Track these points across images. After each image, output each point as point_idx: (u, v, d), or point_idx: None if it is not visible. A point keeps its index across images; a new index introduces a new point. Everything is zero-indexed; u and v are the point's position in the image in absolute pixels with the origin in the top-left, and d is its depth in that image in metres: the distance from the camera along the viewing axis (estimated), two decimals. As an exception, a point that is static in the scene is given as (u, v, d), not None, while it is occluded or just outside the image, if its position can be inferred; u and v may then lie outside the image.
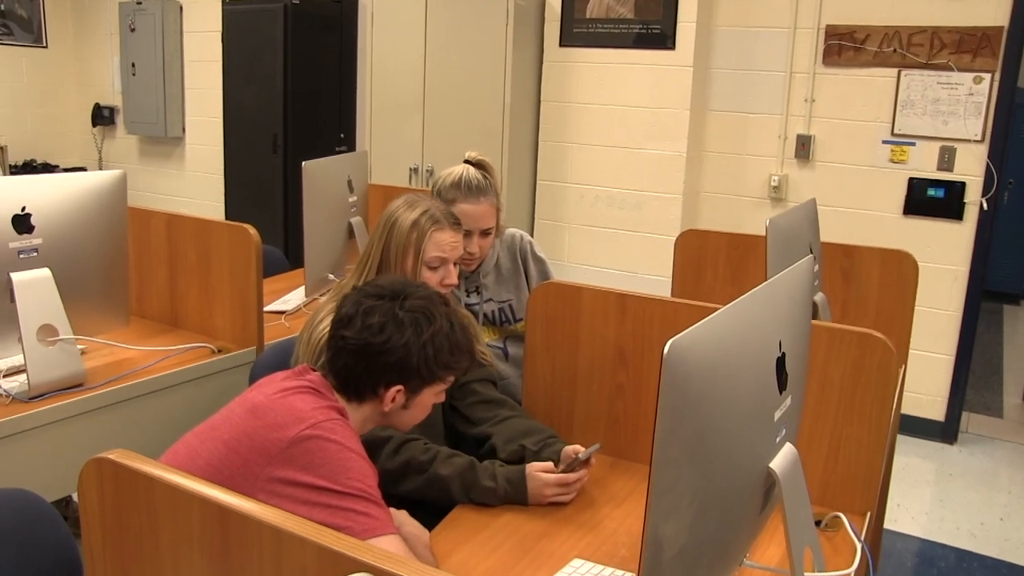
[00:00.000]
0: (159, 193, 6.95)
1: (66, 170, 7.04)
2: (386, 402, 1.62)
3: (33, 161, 7.04)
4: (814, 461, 1.88)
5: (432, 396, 1.68)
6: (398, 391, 1.62)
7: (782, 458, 1.28)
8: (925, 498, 3.90)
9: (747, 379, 1.15)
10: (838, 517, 1.80)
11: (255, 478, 1.44)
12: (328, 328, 1.71)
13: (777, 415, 1.26)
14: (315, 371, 1.65)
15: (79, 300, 2.41)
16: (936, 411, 4.46)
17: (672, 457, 1.00)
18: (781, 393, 1.27)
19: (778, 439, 1.28)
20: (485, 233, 2.48)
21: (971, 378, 4.54)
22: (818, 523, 1.80)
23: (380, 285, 1.65)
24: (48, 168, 7.05)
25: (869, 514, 1.85)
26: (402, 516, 1.71)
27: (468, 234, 2.43)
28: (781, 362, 1.27)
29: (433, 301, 1.64)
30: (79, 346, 2.53)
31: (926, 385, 4.42)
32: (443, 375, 1.66)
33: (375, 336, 1.58)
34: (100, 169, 7.23)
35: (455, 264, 2.16)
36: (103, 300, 2.50)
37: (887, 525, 3.44)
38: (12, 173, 6.73)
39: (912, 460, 4.24)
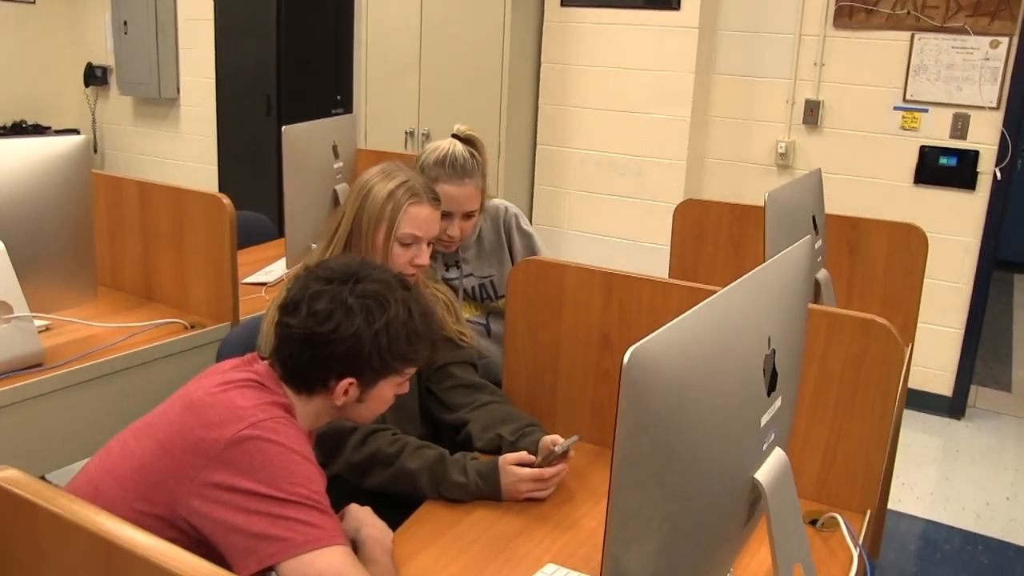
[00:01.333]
0: (154, 156, 6.80)
1: (58, 132, 6.89)
2: (337, 395, 1.49)
3: (23, 122, 6.87)
4: (810, 456, 1.75)
5: (391, 389, 1.54)
6: (350, 384, 1.48)
7: (770, 467, 1.15)
8: (930, 476, 3.78)
9: (728, 385, 1.01)
10: (835, 518, 1.67)
11: (190, 482, 1.31)
12: None
13: (764, 420, 1.12)
14: (264, 359, 1.52)
15: (39, 274, 2.28)
16: (943, 386, 4.32)
17: (634, 481, 0.86)
18: (770, 395, 1.14)
19: (766, 445, 1.15)
20: (467, 216, 2.33)
21: (980, 350, 4.39)
22: (814, 522, 1.67)
23: (331, 267, 1.51)
24: (39, 130, 6.89)
25: (869, 512, 1.72)
26: (364, 515, 1.59)
27: (449, 216, 2.28)
28: (770, 360, 1.13)
29: (389, 285, 1.50)
30: (43, 322, 2.42)
31: (934, 360, 4.27)
32: (400, 367, 1.52)
33: (321, 324, 1.44)
34: (93, 132, 7.09)
35: (429, 243, 2.01)
36: (66, 274, 2.37)
37: (890, 505, 3.31)
38: (0, 135, 6.58)
39: (918, 436, 4.11)
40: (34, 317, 2.24)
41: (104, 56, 6.94)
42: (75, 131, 6.98)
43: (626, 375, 0.80)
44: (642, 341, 0.82)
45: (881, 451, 1.68)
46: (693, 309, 0.94)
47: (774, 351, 1.13)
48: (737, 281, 1.07)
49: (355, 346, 1.44)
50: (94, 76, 6.98)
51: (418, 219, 1.96)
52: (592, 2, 4.68)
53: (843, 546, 1.62)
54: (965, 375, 4.29)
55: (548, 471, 1.74)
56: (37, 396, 2.19)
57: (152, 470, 1.34)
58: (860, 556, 1.57)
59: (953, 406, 4.34)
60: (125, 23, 6.48)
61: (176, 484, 1.31)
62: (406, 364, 1.52)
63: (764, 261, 2.00)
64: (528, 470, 1.73)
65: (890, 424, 1.67)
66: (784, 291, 1.21)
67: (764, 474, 1.12)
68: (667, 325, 0.88)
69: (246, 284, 2.98)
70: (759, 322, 1.10)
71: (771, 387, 1.13)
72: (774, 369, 1.14)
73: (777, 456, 1.17)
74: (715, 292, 1.81)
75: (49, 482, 2.84)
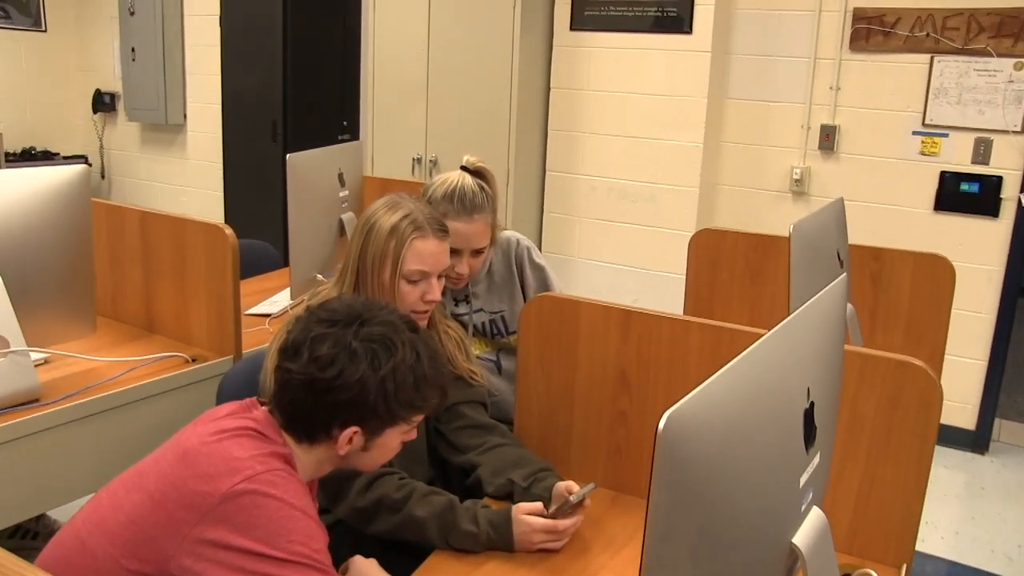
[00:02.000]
0: (161, 182, 6.76)
1: (67, 159, 6.86)
2: (341, 444, 1.40)
3: (32, 149, 6.85)
4: (841, 505, 1.65)
5: (397, 436, 1.45)
6: (354, 433, 1.40)
7: (808, 529, 1.05)
8: (955, 514, 3.65)
9: (767, 446, 0.92)
10: (870, 574, 1.57)
11: (183, 538, 1.22)
12: None
13: (804, 479, 1.03)
14: (263, 405, 1.43)
15: (37, 307, 2.22)
16: (966, 419, 4.20)
17: (668, 559, 0.77)
18: (808, 451, 1.04)
19: (804, 506, 1.06)
20: (477, 253, 2.25)
21: (1002, 381, 4.27)
22: (846, 577, 1.57)
23: (334, 308, 1.42)
24: (48, 156, 6.87)
25: (905, 567, 1.62)
26: (369, 569, 1.50)
27: (458, 253, 2.19)
28: (809, 414, 1.04)
29: (395, 327, 1.41)
30: (40, 356, 2.35)
31: (956, 392, 4.16)
32: (407, 415, 1.43)
33: (324, 370, 1.35)
34: (101, 158, 7.06)
35: (439, 277, 1.92)
36: (65, 307, 2.31)
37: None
38: (9, 162, 6.55)
39: (940, 471, 3.99)
40: (31, 351, 2.18)
41: (112, 82, 6.93)
42: (83, 157, 6.96)
43: (661, 443, 0.71)
44: (677, 405, 0.73)
45: (918, 500, 1.59)
46: (729, 364, 0.85)
47: (812, 403, 1.04)
48: (772, 330, 0.98)
49: (360, 393, 1.36)
50: (102, 102, 6.97)
51: (423, 254, 1.87)
52: (602, 26, 4.62)
53: (878, 603, 1.52)
54: (989, 408, 4.17)
55: (563, 523, 1.64)
56: (35, 432, 2.12)
57: (143, 525, 1.25)
58: (898, 615, 1.47)
59: (976, 440, 4.22)
60: (133, 50, 6.47)
61: (168, 541, 1.23)
62: (414, 412, 1.44)
63: (788, 295, 1.92)
64: (542, 520, 1.64)
65: (927, 470, 1.58)
66: (821, 337, 1.12)
67: (802, 538, 1.03)
68: (702, 384, 0.79)
69: (249, 315, 2.92)
70: (797, 373, 1.01)
71: (809, 443, 1.04)
72: (813, 423, 1.05)
73: (816, 516, 1.08)
74: (736, 329, 1.73)
75: (51, 519, 2.75)
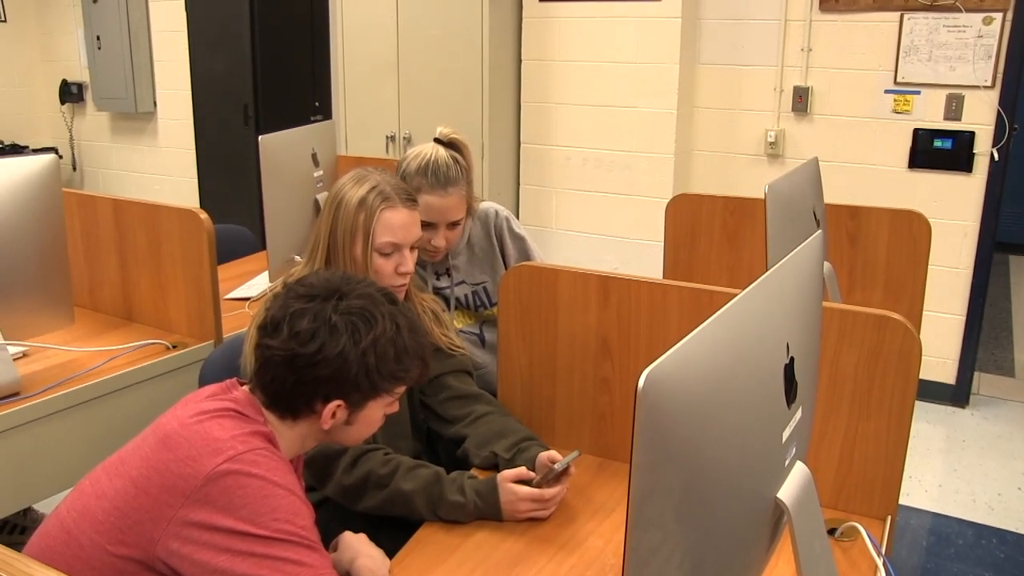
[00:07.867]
0: (133, 171, 6.69)
1: (36, 151, 6.76)
2: (325, 419, 1.39)
3: (0, 142, 6.76)
4: (825, 461, 1.67)
5: (380, 409, 1.45)
6: (338, 406, 1.39)
7: (792, 483, 1.06)
8: (937, 468, 3.70)
9: (748, 403, 0.92)
10: (855, 527, 1.58)
11: (168, 522, 1.22)
12: None
13: (786, 434, 1.04)
14: (243, 385, 1.42)
15: (13, 300, 2.20)
16: (946, 374, 4.24)
17: (654, 517, 0.77)
18: (790, 406, 1.05)
19: (787, 461, 1.06)
20: (452, 225, 2.24)
21: (980, 336, 4.31)
22: (832, 531, 1.59)
23: (311, 283, 1.41)
24: (17, 149, 6.77)
25: (889, 519, 1.63)
26: (359, 544, 1.50)
27: (433, 226, 2.18)
28: (790, 369, 1.04)
29: (374, 300, 1.40)
30: (18, 349, 2.33)
31: (935, 347, 4.19)
32: (389, 387, 1.42)
33: (304, 345, 1.34)
34: (72, 149, 6.97)
35: (412, 249, 1.91)
36: (41, 298, 2.28)
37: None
38: (-24, 156, 6.46)
39: (921, 426, 4.03)
40: (9, 344, 2.16)
41: (79, 72, 6.82)
42: (53, 149, 6.86)
43: (642, 401, 0.71)
44: (656, 362, 0.73)
45: (901, 453, 1.60)
46: (707, 321, 0.85)
47: (792, 359, 1.05)
48: (750, 287, 0.98)
49: (341, 367, 1.35)
50: (69, 93, 6.86)
51: (393, 225, 1.85)
52: (571, -4, 4.60)
53: (864, 555, 1.54)
54: (968, 362, 4.20)
55: (548, 492, 1.64)
56: (16, 426, 2.11)
57: (127, 511, 1.24)
58: (885, 566, 1.48)
59: (956, 394, 4.26)
60: (98, 38, 6.37)
61: (153, 525, 1.22)
62: (396, 384, 1.43)
63: (766, 255, 1.92)
64: (527, 489, 1.64)
65: (909, 423, 1.59)
66: (798, 293, 1.13)
67: (787, 493, 1.04)
68: (681, 341, 0.79)
69: (229, 300, 2.91)
70: (776, 329, 1.01)
71: (790, 398, 1.05)
72: (793, 378, 1.05)
73: (799, 471, 1.08)
74: (715, 291, 1.74)
75: (38, 512, 2.73)
